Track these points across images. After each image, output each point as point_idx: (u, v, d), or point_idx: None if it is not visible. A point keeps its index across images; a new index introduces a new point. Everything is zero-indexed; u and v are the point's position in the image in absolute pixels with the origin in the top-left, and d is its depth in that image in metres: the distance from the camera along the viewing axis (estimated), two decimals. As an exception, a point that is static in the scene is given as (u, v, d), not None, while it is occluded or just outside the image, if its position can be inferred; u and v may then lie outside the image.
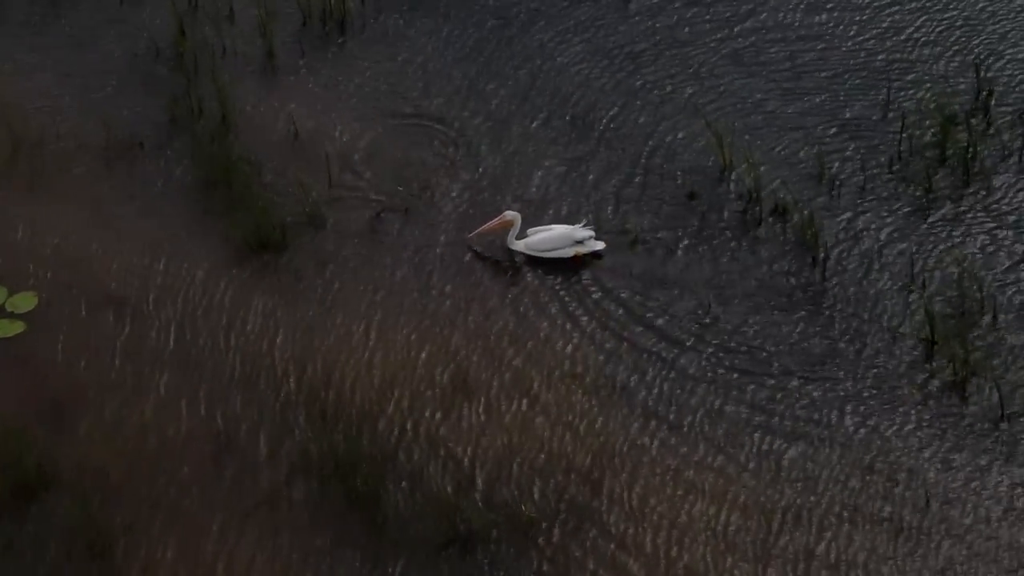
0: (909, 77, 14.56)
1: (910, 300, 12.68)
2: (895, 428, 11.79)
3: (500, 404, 12.01)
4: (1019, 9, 15.16)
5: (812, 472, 11.52)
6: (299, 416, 11.97)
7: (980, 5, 15.28)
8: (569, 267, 13.04)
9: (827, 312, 12.65)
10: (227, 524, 11.29)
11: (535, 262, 13.07)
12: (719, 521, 11.21)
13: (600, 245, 13.12)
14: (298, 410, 12.01)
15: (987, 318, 12.49)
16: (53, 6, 15.69)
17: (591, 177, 13.82)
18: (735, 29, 15.17)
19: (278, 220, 13.37)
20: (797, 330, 12.52)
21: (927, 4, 15.35)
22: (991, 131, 13.99)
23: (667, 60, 14.87)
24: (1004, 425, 11.75)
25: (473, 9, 15.49)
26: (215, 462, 11.68)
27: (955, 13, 15.21)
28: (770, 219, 13.39)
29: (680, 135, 14.13)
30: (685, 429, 11.82)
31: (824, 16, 15.29)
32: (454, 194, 13.71)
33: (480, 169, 13.93)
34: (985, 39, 14.92)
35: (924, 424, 11.81)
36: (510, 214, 13.14)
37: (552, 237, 13.05)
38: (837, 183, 13.66)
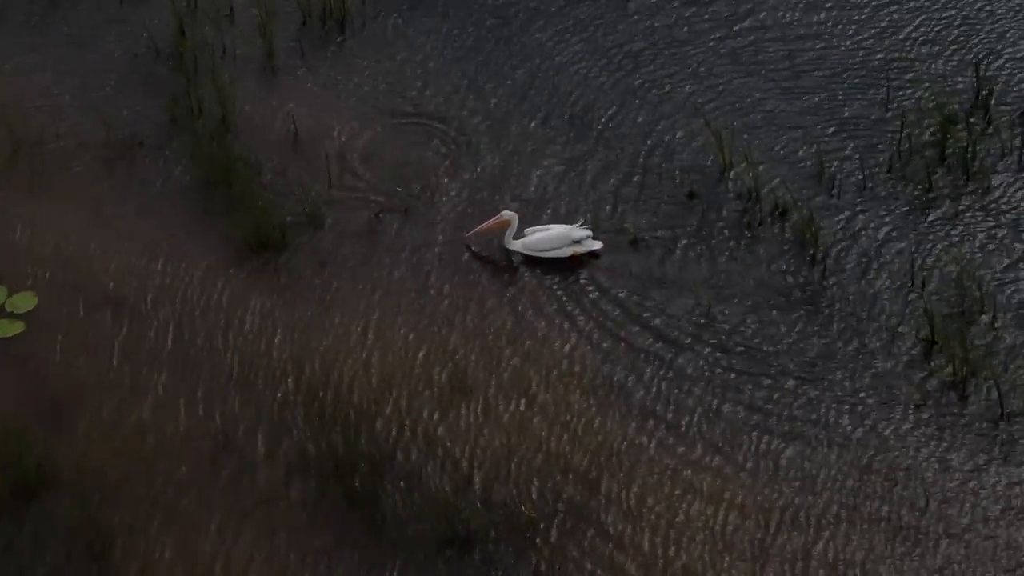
0: (908, 76, 14.55)
1: (909, 299, 12.67)
2: (893, 427, 11.78)
3: (498, 404, 12.01)
4: (1018, 8, 15.15)
5: (810, 472, 11.51)
6: (297, 416, 11.98)
7: (979, 4, 15.27)
8: (567, 267, 13.04)
9: (826, 311, 12.64)
10: (225, 524, 11.29)
11: (533, 262, 13.07)
12: (717, 521, 11.20)
13: (597, 245, 13.12)
14: (296, 410, 12.02)
15: (986, 317, 12.48)
16: (53, 6, 15.70)
17: (589, 176, 13.81)
18: (734, 28, 15.16)
19: (278, 220, 13.37)
20: (795, 329, 12.52)
21: (926, 3, 15.34)
22: (990, 130, 13.98)
23: (666, 59, 14.86)
24: (1003, 424, 11.74)
25: (472, 8, 15.49)
26: (213, 462, 11.68)
27: (954, 12, 15.20)
28: (769, 218, 13.38)
29: (679, 134, 14.13)
30: (683, 429, 11.81)
31: (823, 15, 15.28)
32: (452, 193, 13.71)
33: (479, 168, 13.93)
34: (984, 38, 14.91)
35: (922, 423, 11.81)
36: (507, 214, 13.14)
37: (549, 237, 13.05)
38: (836, 182, 13.65)
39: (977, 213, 13.34)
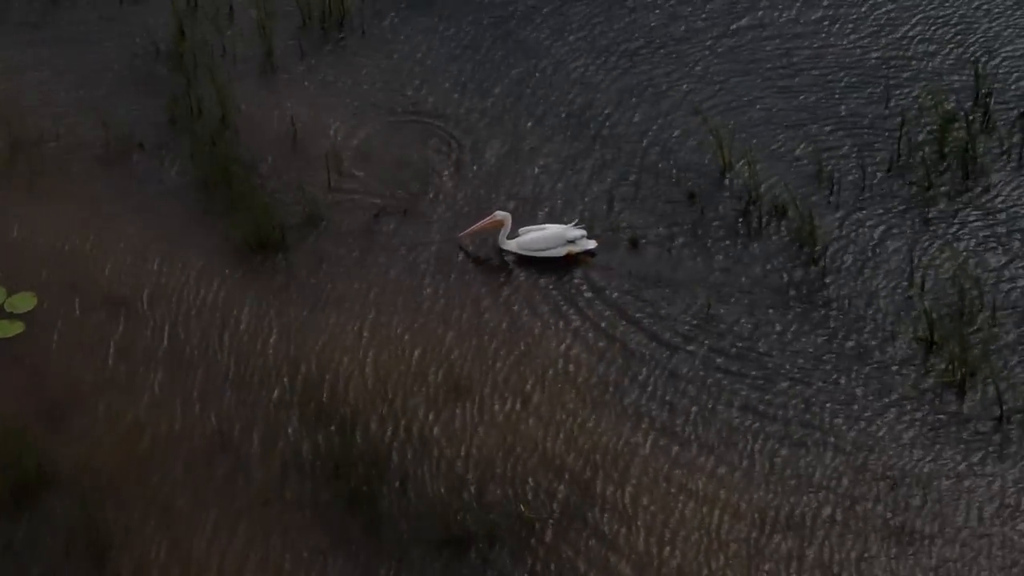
0: (906, 75, 14.53)
1: (907, 298, 12.65)
2: (890, 427, 11.76)
3: (493, 404, 12.01)
4: (1016, 7, 15.11)
5: (805, 472, 11.50)
6: (293, 416, 11.99)
7: (977, 2, 15.24)
8: (562, 266, 13.03)
9: (824, 310, 12.62)
10: (220, 524, 11.30)
11: (527, 262, 13.06)
12: (711, 521, 11.19)
13: (592, 244, 13.10)
14: (292, 410, 12.03)
15: (985, 316, 12.46)
16: (52, 5, 15.71)
17: (586, 175, 13.80)
18: (732, 27, 15.14)
19: (277, 220, 13.38)
20: (792, 329, 12.50)
21: (924, 1, 15.30)
22: (989, 129, 13.95)
23: (663, 58, 14.85)
24: (1001, 424, 11.72)
25: (470, 7, 15.48)
26: (209, 462, 11.69)
27: (952, 11, 15.17)
28: (767, 217, 13.36)
29: (676, 133, 14.11)
30: (678, 429, 11.81)
31: (821, 13, 15.25)
32: (449, 192, 13.71)
33: (475, 167, 13.93)
34: (983, 37, 14.88)
35: (920, 423, 11.79)
36: (500, 214, 13.13)
37: (544, 237, 13.04)
38: (834, 181, 13.63)
39: (975, 212, 13.32)
